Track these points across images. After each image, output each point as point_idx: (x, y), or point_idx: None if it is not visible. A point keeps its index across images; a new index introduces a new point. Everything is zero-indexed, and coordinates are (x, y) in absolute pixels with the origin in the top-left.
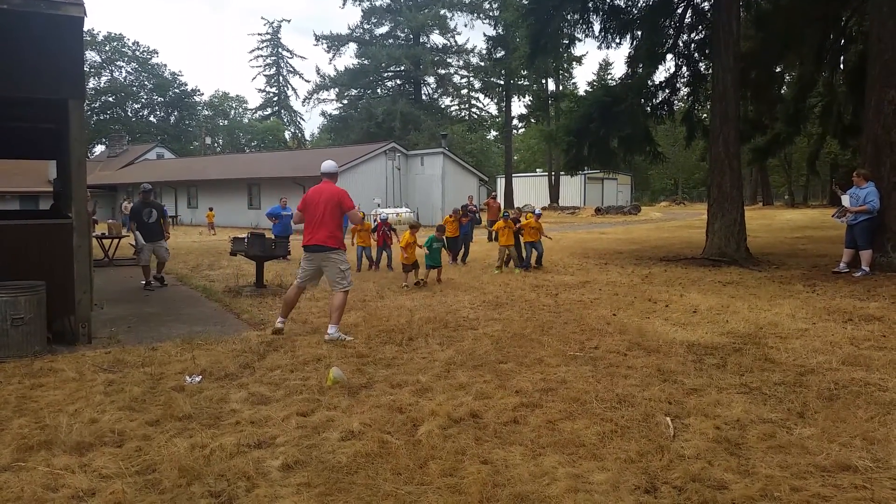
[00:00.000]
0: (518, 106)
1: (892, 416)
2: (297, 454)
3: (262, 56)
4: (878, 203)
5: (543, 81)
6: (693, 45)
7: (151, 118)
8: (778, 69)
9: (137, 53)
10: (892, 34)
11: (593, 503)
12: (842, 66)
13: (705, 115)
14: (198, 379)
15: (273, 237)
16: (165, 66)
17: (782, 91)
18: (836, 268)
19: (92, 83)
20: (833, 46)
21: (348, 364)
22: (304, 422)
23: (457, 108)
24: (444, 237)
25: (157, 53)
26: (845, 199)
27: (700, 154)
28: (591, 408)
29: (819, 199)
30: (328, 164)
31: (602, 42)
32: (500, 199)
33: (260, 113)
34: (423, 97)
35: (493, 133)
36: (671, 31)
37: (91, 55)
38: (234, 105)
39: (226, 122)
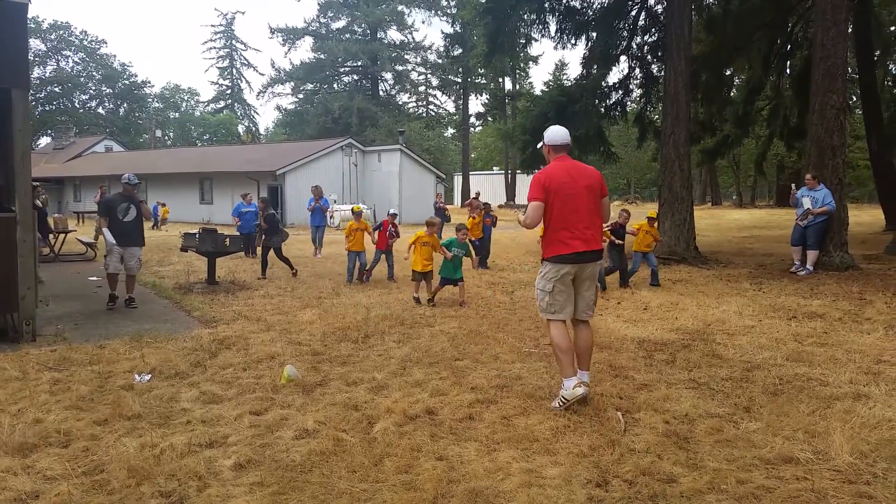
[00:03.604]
0: (475, 104)
1: (832, 410)
2: (249, 453)
3: (215, 48)
4: (834, 204)
5: (500, 80)
6: (646, 48)
7: (100, 110)
8: (728, 72)
9: (85, 43)
10: (835, 41)
11: (546, 497)
12: (788, 71)
13: (657, 116)
14: (147, 377)
15: (242, 236)
16: (115, 56)
17: (732, 94)
18: (792, 268)
19: (37, 72)
20: (780, 51)
21: (303, 362)
22: (258, 420)
23: (414, 104)
24: (467, 240)
25: (106, 43)
26: (807, 202)
27: (652, 155)
28: (545, 403)
29: (766, 199)
30: (563, 133)
31: (558, 42)
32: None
33: (213, 106)
34: (381, 93)
35: (451, 130)
36: (625, 34)
37: (35, 43)
38: (185, 97)
39: (177, 114)
